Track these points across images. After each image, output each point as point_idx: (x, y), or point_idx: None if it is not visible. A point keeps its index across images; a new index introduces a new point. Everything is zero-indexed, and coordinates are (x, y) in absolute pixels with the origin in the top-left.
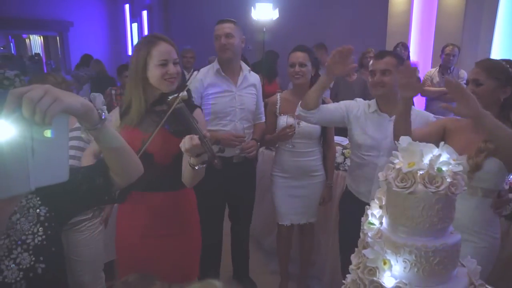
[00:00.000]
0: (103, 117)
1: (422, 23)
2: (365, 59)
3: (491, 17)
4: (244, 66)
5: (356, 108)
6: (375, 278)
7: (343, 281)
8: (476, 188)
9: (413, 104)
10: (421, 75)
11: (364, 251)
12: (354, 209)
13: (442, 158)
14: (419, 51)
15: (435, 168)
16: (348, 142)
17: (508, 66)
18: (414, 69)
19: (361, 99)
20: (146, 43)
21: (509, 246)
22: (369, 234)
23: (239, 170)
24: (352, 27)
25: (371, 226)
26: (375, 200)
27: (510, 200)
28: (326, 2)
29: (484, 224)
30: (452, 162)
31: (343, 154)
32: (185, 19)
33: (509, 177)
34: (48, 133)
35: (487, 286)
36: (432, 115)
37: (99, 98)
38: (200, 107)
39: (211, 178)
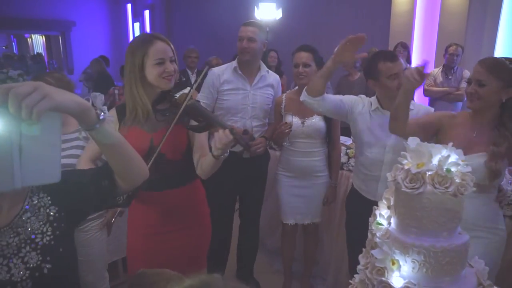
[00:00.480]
0: (101, 117)
1: (425, 23)
2: None
3: (494, 16)
4: (263, 66)
5: (361, 104)
6: (383, 278)
7: (350, 281)
8: (484, 185)
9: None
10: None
11: (372, 251)
12: (360, 207)
13: (451, 159)
14: (422, 51)
15: (444, 169)
16: (351, 142)
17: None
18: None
19: (364, 96)
20: (142, 42)
21: None
22: (378, 234)
23: (251, 167)
24: (355, 27)
25: (380, 226)
26: (383, 200)
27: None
28: (329, 2)
29: (495, 218)
30: (460, 162)
31: (346, 154)
32: (187, 19)
33: None
34: (36, 130)
35: (495, 286)
36: (433, 109)
37: (99, 97)
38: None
39: (224, 174)
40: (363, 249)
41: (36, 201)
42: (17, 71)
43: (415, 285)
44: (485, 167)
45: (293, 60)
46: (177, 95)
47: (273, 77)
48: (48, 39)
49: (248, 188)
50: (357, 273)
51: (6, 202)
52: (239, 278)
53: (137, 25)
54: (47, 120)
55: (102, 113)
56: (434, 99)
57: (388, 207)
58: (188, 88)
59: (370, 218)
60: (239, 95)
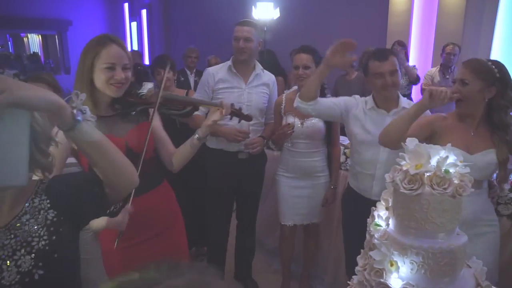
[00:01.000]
0: (78, 118)
1: (423, 22)
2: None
3: (491, 16)
4: (258, 65)
5: (356, 105)
6: (382, 280)
7: (348, 282)
8: (481, 181)
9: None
10: (422, 74)
11: (370, 253)
12: (356, 205)
13: (449, 160)
14: (419, 50)
15: (443, 170)
16: (349, 141)
17: (493, 67)
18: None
19: (358, 96)
20: (96, 43)
21: (510, 246)
22: (376, 236)
23: (249, 169)
24: (352, 26)
25: (378, 227)
26: (382, 201)
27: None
28: (326, 1)
29: (491, 211)
30: (459, 163)
31: (344, 153)
32: (185, 18)
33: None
34: None
35: (493, 287)
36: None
37: (80, 96)
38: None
39: (221, 175)
40: (361, 250)
41: (37, 203)
42: (13, 71)
43: (413, 286)
44: (497, 161)
45: (293, 61)
46: (144, 91)
47: (268, 77)
48: (44, 38)
49: (245, 189)
50: (354, 273)
51: (7, 202)
52: (238, 279)
53: (134, 24)
54: (11, 117)
55: (80, 113)
56: None
57: (387, 208)
58: (150, 82)
59: (368, 219)
60: (234, 94)
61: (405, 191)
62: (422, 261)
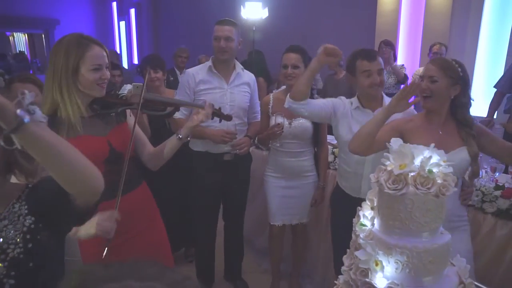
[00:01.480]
0: (25, 120)
1: (410, 22)
2: None
3: (477, 16)
4: (238, 64)
5: (342, 106)
6: (367, 279)
7: (335, 281)
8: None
9: None
10: (410, 73)
11: (356, 253)
12: (345, 204)
13: (433, 160)
14: (407, 50)
15: (426, 170)
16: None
17: (457, 66)
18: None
19: (344, 97)
20: (78, 45)
21: (494, 243)
22: (361, 236)
23: (235, 170)
24: (341, 26)
25: (363, 227)
26: (367, 201)
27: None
28: (315, 1)
29: (463, 207)
30: (442, 163)
31: (333, 153)
32: (173, 17)
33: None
34: None
35: (476, 283)
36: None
37: (29, 95)
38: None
39: (206, 176)
40: (347, 250)
41: (17, 209)
42: None
43: (398, 285)
44: (470, 159)
45: (282, 60)
46: (124, 92)
47: (248, 76)
48: (31, 37)
49: (231, 190)
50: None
51: None
52: (227, 279)
53: (122, 23)
54: None
55: (27, 113)
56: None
57: (372, 208)
58: (130, 84)
59: (354, 219)
60: (216, 94)
61: (390, 191)
62: (406, 260)
